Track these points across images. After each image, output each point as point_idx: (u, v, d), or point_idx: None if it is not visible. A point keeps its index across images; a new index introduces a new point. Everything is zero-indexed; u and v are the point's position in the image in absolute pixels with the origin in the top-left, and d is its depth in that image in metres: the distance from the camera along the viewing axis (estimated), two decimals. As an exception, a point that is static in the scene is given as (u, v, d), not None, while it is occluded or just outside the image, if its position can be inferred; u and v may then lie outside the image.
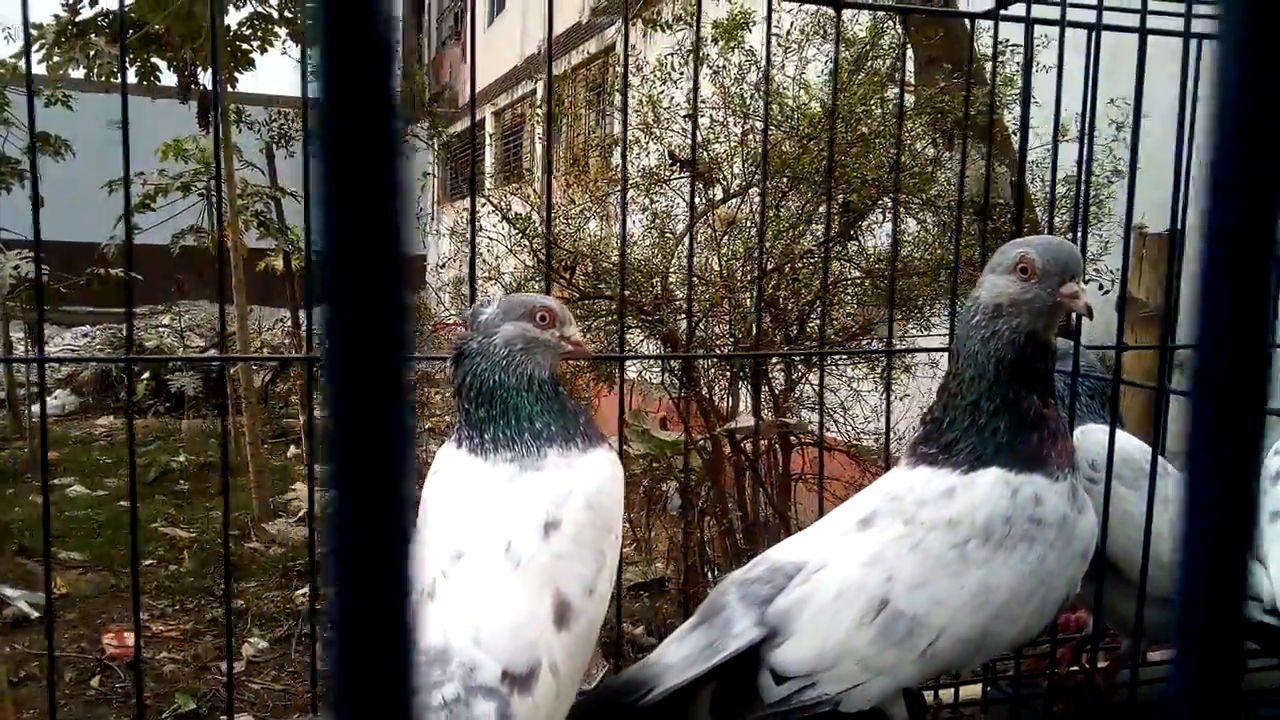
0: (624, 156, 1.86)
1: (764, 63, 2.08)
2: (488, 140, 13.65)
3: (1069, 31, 1.77)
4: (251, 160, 7.77)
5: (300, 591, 5.91)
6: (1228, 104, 0.27)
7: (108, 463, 8.94)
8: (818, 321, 4.45)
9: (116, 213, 7.78)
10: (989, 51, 3.41)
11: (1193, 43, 1.65)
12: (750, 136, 4.57)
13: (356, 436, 0.28)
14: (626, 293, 3.79)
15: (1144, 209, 1.75)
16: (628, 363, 2.95)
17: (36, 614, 5.46)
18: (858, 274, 4.68)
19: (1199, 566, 0.29)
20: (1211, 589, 0.29)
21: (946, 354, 1.68)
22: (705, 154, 4.40)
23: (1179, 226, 1.74)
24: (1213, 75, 0.27)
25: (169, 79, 7.23)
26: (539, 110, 6.79)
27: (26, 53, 1.54)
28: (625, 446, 3.99)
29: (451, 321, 5.49)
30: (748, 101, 4.61)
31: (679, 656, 1.41)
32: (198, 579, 6.13)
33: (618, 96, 4.34)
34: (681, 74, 4.78)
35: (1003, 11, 1.86)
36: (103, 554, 6.41)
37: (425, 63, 17.57)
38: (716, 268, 4.47)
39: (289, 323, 10.00)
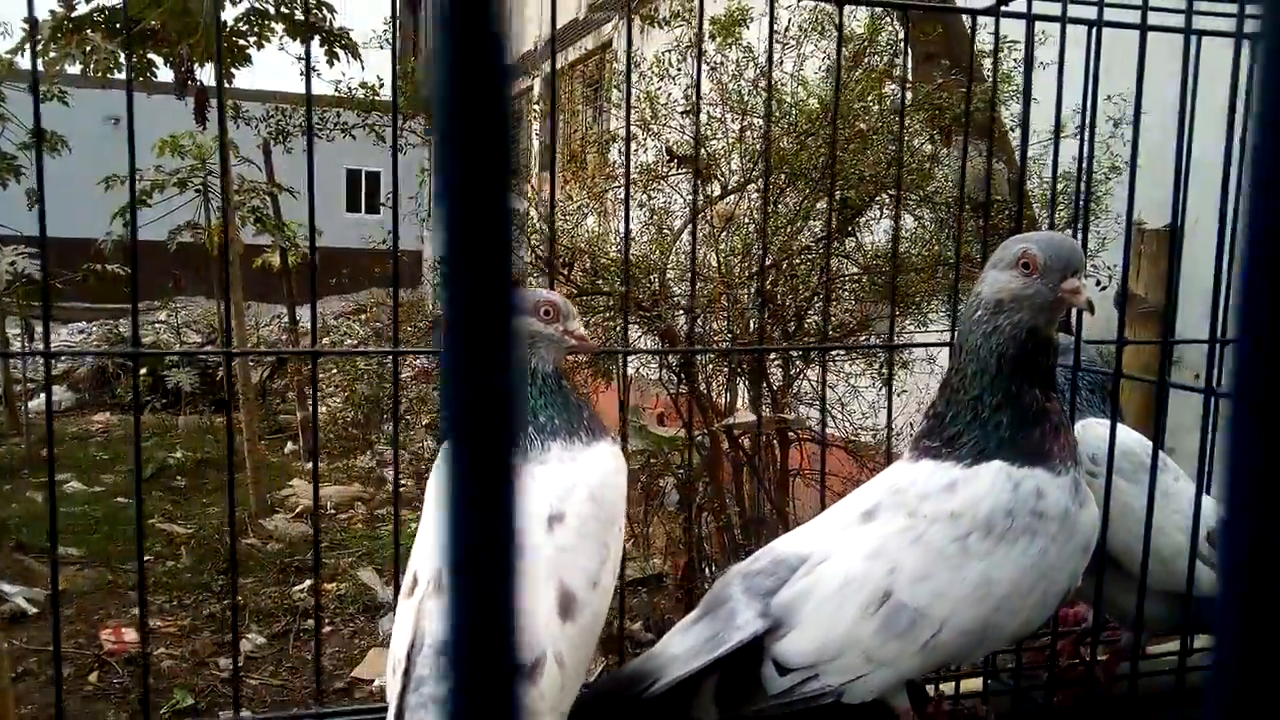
0: (627, 153, 1.86)
1: (765, 59, 2.09)
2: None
3: (1066, 28, 1.78)
4: (248, 156, 7.75)
5: (298, 587, 5.91)
6: (1271, 105, 0.28)
7: (104, 459, 8.94)
8: (815, 318, 4.46)
9: (112, 209, 7.80)
10: (986, 48, 3.42)
11: (1193, 39, 1.66)
12: (748, 133, 4.58)
13: (476, 389, 0.29)
14: (625, 289, 3.79)
15: (1141, 205, 1.76)
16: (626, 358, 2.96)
17: (34, 610, 5.46)
18: (855, 270, 4.69)
19: (1239, 559, 0.29)
20: (1252, 580, 0.29)
21: (945, 350, 1.70)
22: (703, 150, 4.40)
23: (1179, 223, 1.76)
24: (1259, 77, 0.28)
25: (165, 75, 7.21)
26: (535, 107, 6.78)
27: (32, 50, 1.55)
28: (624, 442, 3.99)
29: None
30: (745, 98, 4.61)
31: (683, 648, 1.42)
32: (195, 575, 6.13)
33: (615, 93, 4.34)
34: (679, 70, 4.79)
35: (1003, 8, 1.87)
36: (100, 550, 6.41)
37: (422, 59, 17.53)
38: (714, 264, 4.48)
39: (285, 319, 9.99)
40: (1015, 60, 4.17)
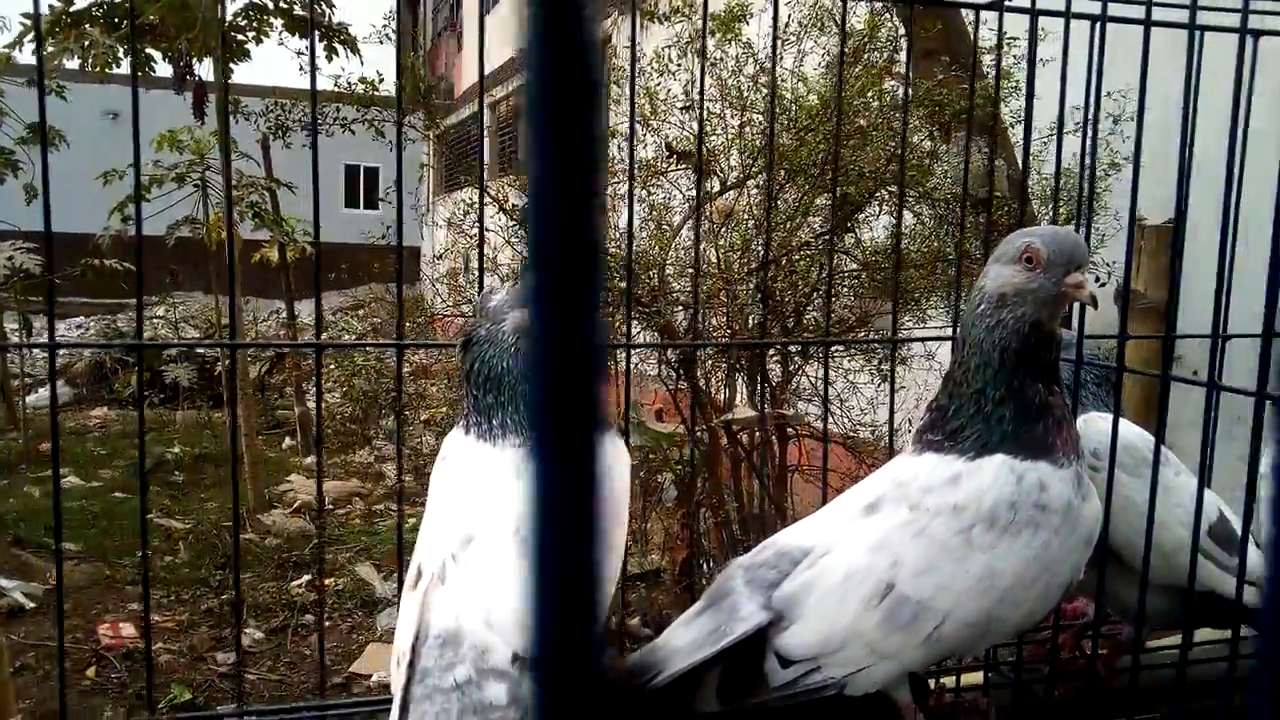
0: (630, 149, 1.86)
1: (766, 55, 2.09)
2: (484, 132, 13.60)
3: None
4: (247, 151, 7.74)
5: (296, 583, 5.92)
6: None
7: (101, 454, 8.93)
8: (814, 314, 4.47)
9: (110, 204, 7.78)
10: (986, 44, 3.42)
11: (1197, 35, 1.66)
12: (747, 129, 4.58)
13: (563, 368, 0.29)
14: (625, 285, 3.79)
15: (1141, 201, 1.76)
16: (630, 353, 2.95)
17: (31, 605, 5.45)
18: (854, 267, 4.69)
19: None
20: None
21: (945, 346, 1.70)
22: (703, 146, 4.40)
23: (1181, 218, 1.76)
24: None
25: (163, 70, 7.20)
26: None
27: (38, 45, 1.54)
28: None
29: (449, 315, 5.50)
30: (745, 94, 4.61)
31: (686, 640, 1.42)
32: (192, 570, 6.13)
33: (614, 89, 4.34)
34: (679, 66, 4.79)
35: (1006, 3, 1.87)
36: (97, 545, 6.41)
37: (421, 54, 17.53)
38: (714, 259, 4.49)
39: (283, 314, 9.98)
40: (1015, 56, 4.17)
